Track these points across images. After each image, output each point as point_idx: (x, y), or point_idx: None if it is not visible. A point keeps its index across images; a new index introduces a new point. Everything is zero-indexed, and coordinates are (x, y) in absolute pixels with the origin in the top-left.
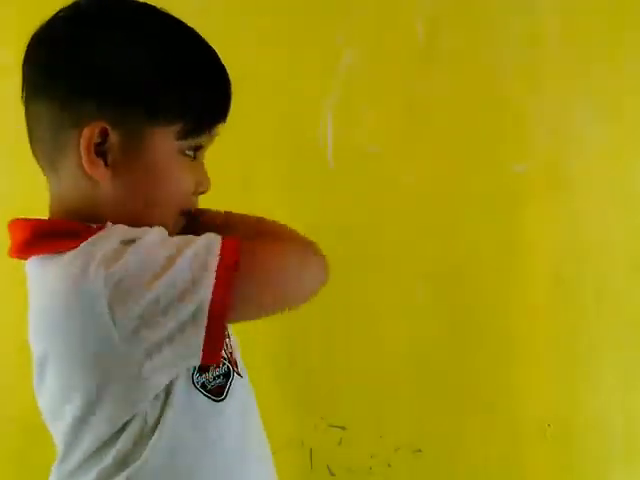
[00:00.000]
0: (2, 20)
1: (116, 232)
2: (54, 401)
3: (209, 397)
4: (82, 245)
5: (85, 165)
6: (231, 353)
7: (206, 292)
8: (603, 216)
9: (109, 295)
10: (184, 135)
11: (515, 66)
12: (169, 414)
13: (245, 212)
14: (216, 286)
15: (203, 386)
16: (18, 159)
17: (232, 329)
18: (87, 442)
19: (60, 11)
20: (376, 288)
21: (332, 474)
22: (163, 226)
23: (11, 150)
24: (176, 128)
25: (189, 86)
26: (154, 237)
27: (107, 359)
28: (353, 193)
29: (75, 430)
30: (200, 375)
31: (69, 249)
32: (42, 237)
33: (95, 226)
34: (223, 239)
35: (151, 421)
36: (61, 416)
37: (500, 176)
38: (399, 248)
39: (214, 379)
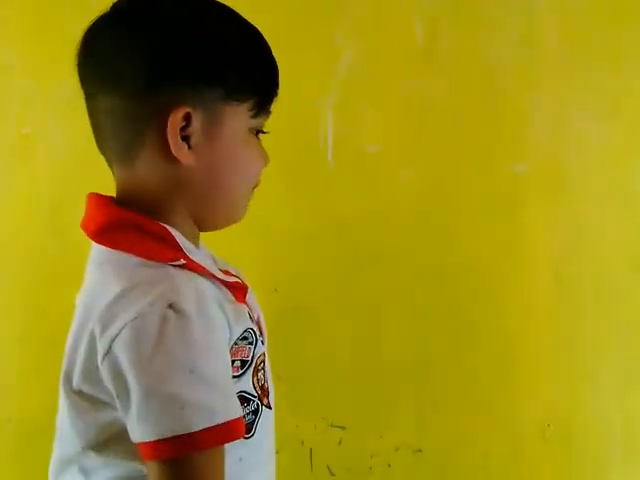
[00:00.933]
0: (3, 20)
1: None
2: None
3: None
4: (159, 289)
5: (173, 150)
6: (262, 385)
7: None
8: (603, 216)
9: None
10: (257, 112)
11: (514, 66)
12: None
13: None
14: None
15: None
16: (18, 159)
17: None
18: None
19: (113, 4)
20: (376, 288)
21: (332, 474)
22: (240, 204)
23: (11, 150)
24: (248, 106)
25: (254, 62)
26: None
27: None
28: (353, 193)
29: None
30: None
31: (150, 263)
32: (125, 230)
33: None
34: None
35: None
36: None
37: (500, 176)
38: (399, 248)
39: (246, 416)
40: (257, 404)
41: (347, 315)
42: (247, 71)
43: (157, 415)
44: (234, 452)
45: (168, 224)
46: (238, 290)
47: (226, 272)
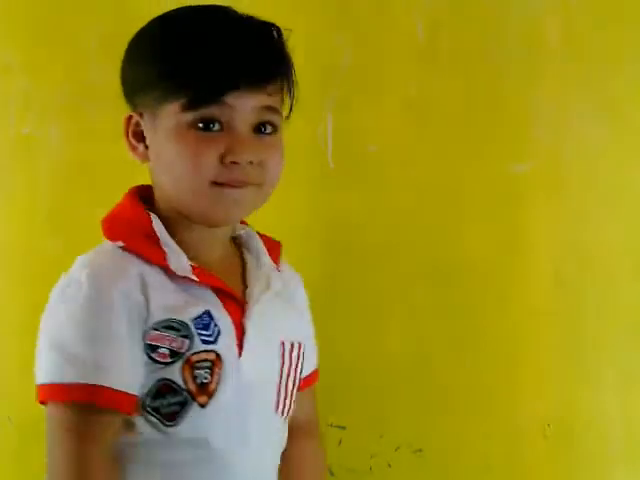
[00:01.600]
0: (3, 20)
1: None
2: None
3: (160, 420)
4: None
5: (128, 150)
6: (202, 383)
7: None
8: (603, 216)
9: None
10: (188, 107)
11: (515, 66)
12: None
13: None
14: None
15: (156, 410)
16: (18, 159)
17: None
18: None
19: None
20: (376, 288)
21: (332, 474)
22: (203, 200)
23: (11, 150)
24: (181, 102)
25: (180, 61)
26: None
27: None
28: (353, 193)
29: None
30: (154, 400)
31: None
32: (119, 222)
33: None
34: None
35: None
36: None
37: (500, 176)
38: (399, 248)
39: (169, 405)
40: (186, 398)
41: (347, 315)
42: (176, 72)
43: (37, 361)
44: (148, 429)
45: (161, 215)
46: (218, 291)
47: (201, 271)
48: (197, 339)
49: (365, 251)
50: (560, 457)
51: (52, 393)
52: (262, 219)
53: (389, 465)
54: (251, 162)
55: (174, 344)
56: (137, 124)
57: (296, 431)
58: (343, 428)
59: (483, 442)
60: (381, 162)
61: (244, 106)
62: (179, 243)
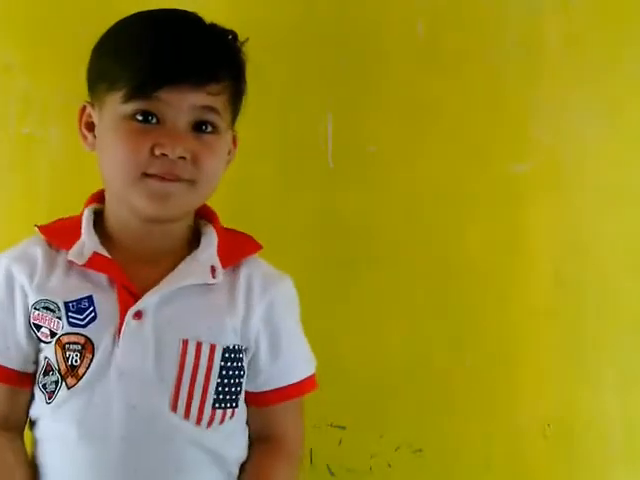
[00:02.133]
0: (3, 20)
1: None
2: None
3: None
4: None
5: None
6: (71, 365)
7: None
8: (603, 216)
9: None
10: (125, 99)
11: (515, 66)
12: None
13: (244, 212)
14: None
15: (44, 386)
16: (18, 159)
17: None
18: None
19: None
20: (376, 288)
21: (332, 474)
22: (133, 190)
23: (11, 150)
24: (120, 94)
25: (124, 54)
26: None
27: None
28: (353, 193)
29: None
30: (43, 376)
31: None
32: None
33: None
34: None
35: None
36: None
37: (500, 176)
38: (399, 248)
39: (50, 384)
40: (57, 377)
41: (347, 315)
42: (110, 65)
43: None
44: (38, 404)
45: (106, 210)
46: (113, 280)
47: (100, 260)
48: (65, 320)
49: (365, 251)
50: (560, 457)
51: None
52: (262, 219)
53: (389, 465)
54: (183, 157)
55: (51, 324)
56: (89, 115)
57: (257, 445)
58: (343, 428)
59: (483, 442)
60: (381, 162)
61: (180, 103)
62: (109, 234)
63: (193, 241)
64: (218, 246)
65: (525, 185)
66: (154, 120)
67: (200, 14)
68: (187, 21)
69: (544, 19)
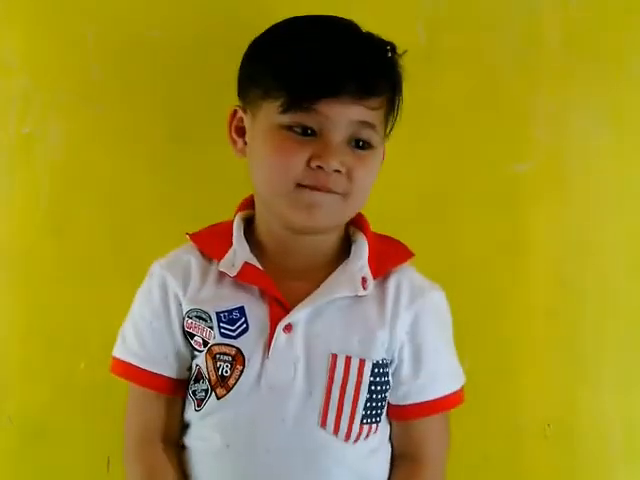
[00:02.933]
0: (3, 20)
1: None
2: None
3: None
4: None
5: (230, 144)
6: (221, 375)
7: None
8: (604, 216)
9: None
10: (283, 110)
11: (515, 66)
12: None
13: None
14: None
15: (194, 393)
16: (18, 159)
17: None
18: None
19: None
20: None
21: None
22: (284, 200)
23: (11, 150)
24: (279, 103)
25: (283, 61)
26: None
27: None
28: None
29: None
30: (194, 383)
31: None
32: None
33: None
34: None
35: None
36: None
37: (501, 176)
38: None
39: (200, 391)
40: (207, 386)
41: None
42: (277, 72)
43: None
44: (189, 410)
45: (256, 218)
46: (264, 292)
47: (250, 271)
48: (217, 331)
49: None
50: (560, 457)
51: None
52: None
53: None
54: (338, 171)
55: (204, 333)
56: (240, 120)
57: (398, 463)
58: None
59: (483, 442)
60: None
61: (338, 117)
62: (260, 243)
63: (344, 250)
64: (369, 255)
65: (525, 185)
66: (311, 132)
67: None
68: (343, 28)
69: (544, 19)
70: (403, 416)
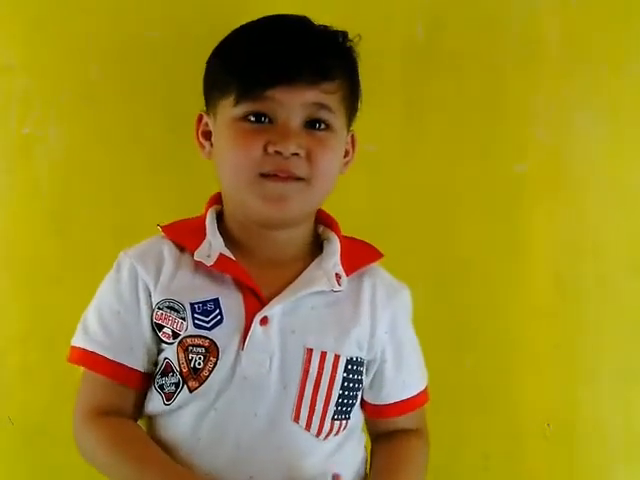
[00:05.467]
0: (3, 20)
1: None
2: None
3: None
4: None
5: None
6: (193, 367)
7: None
8: (604, 216)
9: None
10: (236, 102)
11: (515, 66)
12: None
13: None
14: None
15: (161, 387)
16: (18, 159)
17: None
18: None
19: None
20: None
21: None
22: (249, 192)
23: (11, 150)
24: (231, 98)
25: (233, 58)
26: None
27: None
28: (352, 193)
29: None
30: (161, 377)
31: None
32: None
33: None
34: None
35: None
36: None
37: (501, 176)
38: (399, 248)
39: (169, 385)
40: (179, 379)
41: None
42: (220, 69)
43: None
44: (156, 404)
45: (225, 215)
46: (240, 283)
47: (226, 262)
48: (190, 322)
49: None
50: (560, 457)
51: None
52: None
53: None
54: (297, 154)
55: (175, 325)
56: (206, 124)
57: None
58: None
59: (483, 442)
60: (381, 162)
61: (291, 101)
62: (232, 237)
63: (316, 248)
64: (341, 253)
65: (525, 185)
66: (266, 120)
67: None
68: (296, 22)
69: (544, 19)
70: (384, 415)
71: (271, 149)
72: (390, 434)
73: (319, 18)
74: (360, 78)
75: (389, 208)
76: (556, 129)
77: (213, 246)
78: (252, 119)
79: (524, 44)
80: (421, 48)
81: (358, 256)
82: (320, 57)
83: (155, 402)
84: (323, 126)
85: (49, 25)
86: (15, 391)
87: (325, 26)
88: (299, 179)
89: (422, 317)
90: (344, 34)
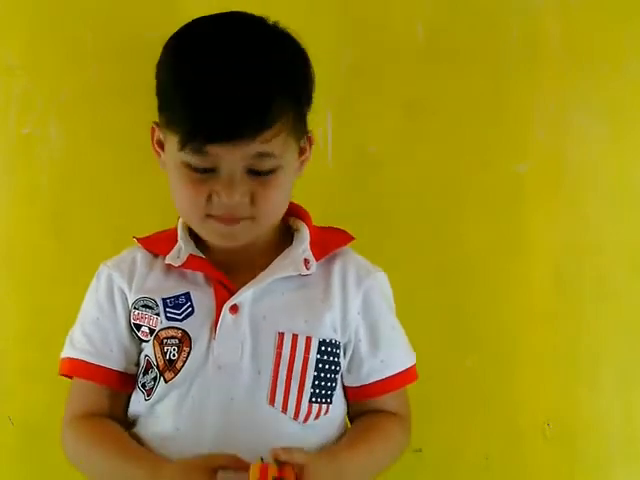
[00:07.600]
0: (3, 20)
1: None
2: None
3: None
4: None
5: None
6: (169, 360)
7: None
8: (604, 216)
9: None
10: (180, 147)
11: (515, 66)
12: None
13: None
14: None
15: (143, 385)
16: (18, 159)
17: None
18: None
19: None
20: None
21: None
22: (200, 228)
23: (11, 150)
24: (176, 138)
25: (177, 102)
26: None
27: None
28: (353, 193)
29: None
30: (143, 376)
31: None
32: None
33: None
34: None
35: None
36: None
37: (501, 176)
38: (399, 248)
39: (150, 381)
40: (156, 374)
41: None
42: (169, 109)
43: None
44: (138, 402)
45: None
46: (209, 277)
47: (195, 261)
48: (163, 316)
49: (364, 251)
50: (560, 457)
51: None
52: None
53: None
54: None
55: (151, 322)
56: (157, 137)
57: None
58: None
59: (483, 442)
60: (381, 162)
61: (233, 156)
62: (203, 242)
63: (287, 239)
64: (311, 241)
65: (526, 185)
66: (209, 169)
67: None
68: (244, 47)
69: (544, 19)
70: (365, 395)
71: (216, 199)
72: (366, 413)
73: (319, 18)
74: (312, 70)
75: (389, 208)
76: (556, 129)
77: (184, 249)
78: (196, 168)
79: (524, 44)
80: (421, 48)
81: (329, 241)
82: (261, 107)
83: (137, 401)
84: (267, 170)
85: (49, 25)
86: (15, 391)
87: (276, 37)
88: (245, 218)
89: (422, 317)
90: (294, 49)
